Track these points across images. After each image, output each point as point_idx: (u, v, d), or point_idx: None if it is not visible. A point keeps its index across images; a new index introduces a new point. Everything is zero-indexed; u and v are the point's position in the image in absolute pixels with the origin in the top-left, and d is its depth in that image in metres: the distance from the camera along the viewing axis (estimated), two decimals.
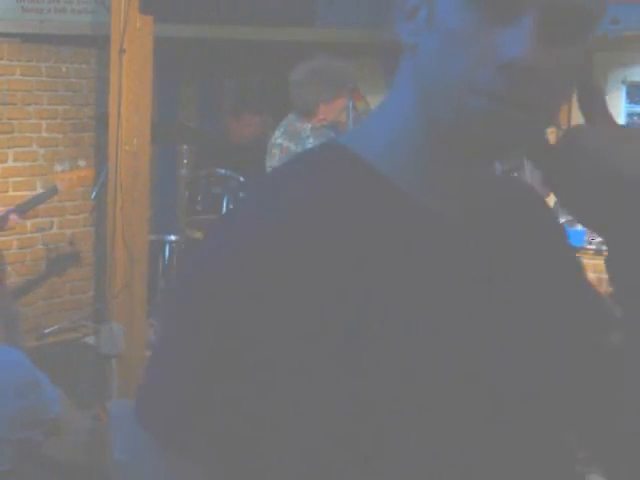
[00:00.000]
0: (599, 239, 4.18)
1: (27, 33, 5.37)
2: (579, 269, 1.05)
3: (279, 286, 0.81)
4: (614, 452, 0.97)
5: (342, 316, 0.82)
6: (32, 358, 2.68)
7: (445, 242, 0.89)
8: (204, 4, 4.79)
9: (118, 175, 4.52)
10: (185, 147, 5.86)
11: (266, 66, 6.15)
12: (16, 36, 5.37)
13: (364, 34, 5.40)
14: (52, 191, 4.76)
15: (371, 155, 0.90)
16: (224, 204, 5.61)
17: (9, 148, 5.45)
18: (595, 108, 0.91)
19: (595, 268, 3.36)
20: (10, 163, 5.47)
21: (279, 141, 4.71)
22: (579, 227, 1.69)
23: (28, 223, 5.32)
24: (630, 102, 5.46)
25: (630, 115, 5.49)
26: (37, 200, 4.75)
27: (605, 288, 0.98)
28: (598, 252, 4.46)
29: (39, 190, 5.38)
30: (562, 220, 1.20)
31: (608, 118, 0.92)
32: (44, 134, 5.63)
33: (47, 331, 5.56)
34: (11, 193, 5.42)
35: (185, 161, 5.86)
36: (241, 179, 5.60)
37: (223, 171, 5.64)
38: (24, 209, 4.50)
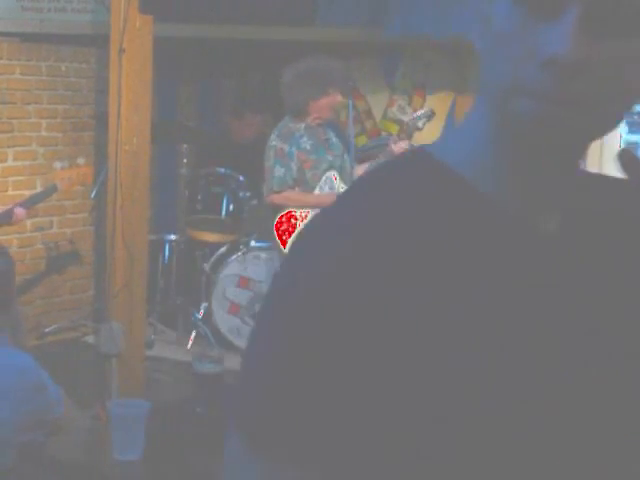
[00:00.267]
0: None
1: (27, 32, 5.37)
2: None
3: (375, 292, 0.82)
4: None
5: (431, 322, 0.82)
6: (32, 357, 2.68)
7: (530, 250, 0.88)
8: (204, 4, 4.79)
9: (118, 174, 4.52)
10: (185, 146, 5.86)
11: (266, 65, 6.15)
12: (16, 35, 5.37)
13: (364, 33, 5.40)
14: (52, 189, 4.76)
15: (454, 161, 0.89)
16: (224, 203, 5.62)
17: (9, 147, 5.45)
18: None
19: None
20: (10, 162, 5.47)
21: (274, 143, 4.76)
22: None
23: (28, 222, 5.33)
24: None
25: None
26: (37, 198, 4.76)
27: None
28: None
29: (39, 189, 5.39)
30: None
31: None
32: (44, 133, 5.63)
33: (47, 330, 5.56)
34: (11, 192, 5.42)
35: (185, 160, 5.86)
36: (241, 178, 5.61)
37: (223, 170, 5.64)
38: (27, 204, 4.52)
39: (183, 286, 5.71)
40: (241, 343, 5.45)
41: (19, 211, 4.40)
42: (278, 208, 4.78)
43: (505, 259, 0.86)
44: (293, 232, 4.79)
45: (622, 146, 5.28)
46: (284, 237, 4.77)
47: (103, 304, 4.94)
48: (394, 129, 6.01)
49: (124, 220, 4.52)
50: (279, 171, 4.71)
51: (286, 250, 4.81)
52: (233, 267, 5.46)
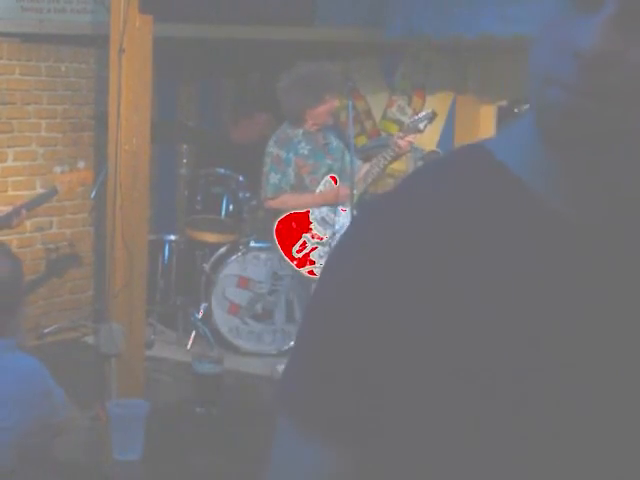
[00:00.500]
0: None
1: (27, 33, 5.37)
2: None
3: (422, 284, 0.85)
4: None
5: (482, 319, 0.84)
6: (38, 361, 2.67)
7: (577, 249, 0.87)
8: (203, 4, 4.79)
9: (118, 175, 4.52)
10: (185, 146, 5.86)
11: (265, 66, 6.14)
12: (15, 35, 5.37)
13: (364, 34, 5.40)
14: (52, 192, 4.76)
15: (511, 161, 0.89)
16: (224, 204, 5.62)
17: (8, 147, 5.45)
18: None
19: None
20: (9, 162, 5.47)
21: (271, 150, 4.79)
22: None
23: (27, 223, 5.32)
24: None
25: None
26: (37, 201, 4.75)
27: None
28: None
29: (38, 189, 5.39)
30: None
31: None
32: (43, 133, 5.63)
33: (47, 330, 5.56)
34: (10, 192, 5.42)
35: (185, 160, 5.86)
36: (241, 179, 5.61)
37: (223, 171, 5.64)
38: (26, 207, 4.51)
39: (183, 286, 5.71)
40: (241, 343, 5.46)
41: (24, 213, 4.39)
42: (277, 211, 4.81)
43: (559, 262, 0.87)
44: (293, 236, 4.81)
45: None
46: (286, 242, 4.80)
47: (103, 304, 4.94)
48: (394, 129, 6.01)
49: (124, 220, 4.52)
50: (274, 178, 4.75)
51: (286, 252, 4.84)
52: (233, 267, 5.46)
